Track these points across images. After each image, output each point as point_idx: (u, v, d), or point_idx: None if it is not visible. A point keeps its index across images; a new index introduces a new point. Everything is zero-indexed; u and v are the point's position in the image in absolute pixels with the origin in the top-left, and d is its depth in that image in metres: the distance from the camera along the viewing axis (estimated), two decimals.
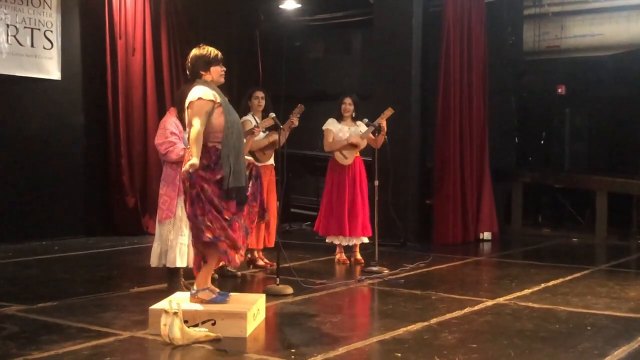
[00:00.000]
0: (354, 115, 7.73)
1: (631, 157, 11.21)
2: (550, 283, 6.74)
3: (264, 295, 5.44)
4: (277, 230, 6.96)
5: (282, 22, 12.17)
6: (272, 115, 6.70)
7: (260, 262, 7.42)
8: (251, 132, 6.96)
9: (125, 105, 10.05)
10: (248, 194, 5.06)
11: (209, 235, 4.85)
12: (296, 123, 7.02)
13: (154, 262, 6.15)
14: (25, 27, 9.12)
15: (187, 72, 5.16)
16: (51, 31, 9.41)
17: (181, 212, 5.90)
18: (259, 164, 7.22)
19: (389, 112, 7.45)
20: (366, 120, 7.59)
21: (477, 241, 9.86)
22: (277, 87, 11.38)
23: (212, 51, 5.08)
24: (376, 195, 7.55)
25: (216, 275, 6.34)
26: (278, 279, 6.19)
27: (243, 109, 7.26)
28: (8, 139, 9.01)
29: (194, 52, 5.09)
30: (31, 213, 9.18)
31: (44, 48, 9.34)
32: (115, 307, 5.59)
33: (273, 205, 7.27)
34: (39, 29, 9.28)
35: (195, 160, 4.79)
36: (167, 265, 6.07)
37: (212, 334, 4.59)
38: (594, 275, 7.35)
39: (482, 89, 10.08)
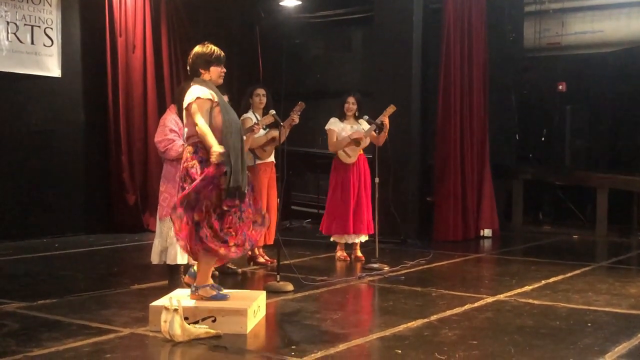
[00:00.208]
0: (356, 114, 7.72)
1: (632, 153, 11.22)
2: (551, 280, 6.74)
3: (264, 292, 5.44)
4: (278, 227, 6.95)
5: (282, 20, 12.17)
6: (272, 112, 6.70)
7: (261, 259, 7.43)
8: (251, 130, 6.95)
9: (126, 102, 10.05)
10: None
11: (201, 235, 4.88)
12: (297, 120, 7.02)
13: (154, 259, 6.16)
14: (25, 25, 9.12)
15: (188, 69, 5.15)
16: (51, 28, 9.41)
17: None
18: (259, 162, 7.25)
19: (391, 109, 7.44)
20: (366, 117, 7.58)
21: (477, 238, 9.85)
22: (277, 85, 11.38)
23: (214, 51, 5.06)
24: (377, 193, 7.55)
25: (217, 273, 6.34)
26: (278, 276, 6.20)
27: (244, 107, 7.26)
28: (8, 136, 9.02)
29: (197, 49, 5.08)
30: (32, 210, 9.19)
31: (44, 45, 9.34)
32: (115, 304, 5.60)
33: (273, 202, 7.27)
34: (39, 26, 9.28)
35: (217, 147, 4.78)
36: (168, 262, 6.08)
37: (212, 331, 4.59)
38: (595, 272, 7.35)
39: (482, 86, 10.08)
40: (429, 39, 9.69)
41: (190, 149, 4.96)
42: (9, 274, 6.96)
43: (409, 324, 4.98)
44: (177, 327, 4.42)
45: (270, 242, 7.29)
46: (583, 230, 10.61)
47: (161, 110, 9.02)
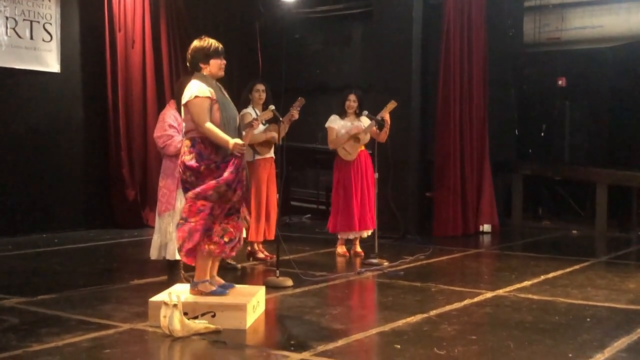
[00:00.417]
0: (357, 111, 7.71)
1: (631, 149, 11.21)
2: (550, 275, 6.74)
3: (263, 288, 5.44)
4: (277, 222, 6.96)
5: (281, 14, 12.14)
6: (272, 107, 6.68)
7: (260, 255, 7.43)
8: (250, 125, 6.95)
9: (125, 97, 10.04)
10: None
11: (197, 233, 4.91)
12: (296, 116, 7.01)
13: (153, 254, 6.16)
14: (24, 20, 9.11)
15: (187, 64, 5.15)
16: (50, 24, 9.39)
17: (180, 204, 5.90)
18: (259, 157, 7.24)
19: (391, 105, 7.43)
20: (366, 112, 7.57)
21: (477, 233, 9.86)
22: (276, 80, 11.36)
23: (212, 43, 5.04)
24: (376, 188, 7.55)
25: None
26: (278, 272, 6.20)
27: (243, 102, 7.25)
28: (7, 131, 9.01)
29: (195, 43, 5.07)
30: (31, 206, 9.19)
31: (43, 40, 9.32)
32: (115, 299, 5.61)
33: (273, 197, 7.27)
34: (38, 22, 9.27)
35: (233, 140, 4.81)
36: (167, 258, 6.09)
37: (211, 326, 4.60)
38: (594, 267, 7.35)
39: (482, 81, 10.07)
40: (429, 34, 9.68)
41: (187, 142, 4.96)
42: (9, 270, 6.95)
43: (408, 319, 4.98)
44: (177, 323, 4.42)
45: (270, 237, 7.29)
46: (582, 225, 10.61)
47: (160, 106, 9.02)
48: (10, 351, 4.14)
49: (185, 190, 4.97)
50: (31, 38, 9.19)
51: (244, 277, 6.71)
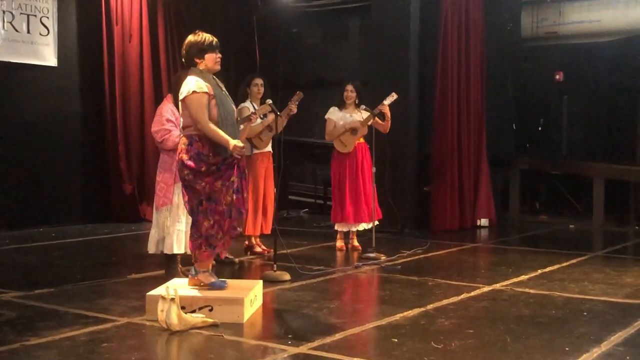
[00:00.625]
0: (356, 102, 7.70)
1: (628, 143, 11.21)
2: (547, 269, 6.75)
3: (261, 282, 5.45)
4: (275, 217, 6.96)
5: (279, 8, 12.12)
6: (269, 101, 6.67)
7: (258, 249, 7.43)
8: (248, 119, 6.93)
9: (122, 91, 10.03)
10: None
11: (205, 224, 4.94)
12: (295, 110, 7.02)
13: (151, 248, 6.16)
14: (21, 14, 9.08)
15: (183, 60, 5.14)
16: (47, 17, 9.37)
17: (178, 199, 5.91)
18: (257, 151, 7.24)
19: (391, 97, 7.42)
20: (363, 106, 7.56)
21: (474, 228, 9.87)
22: (274, 74, 11.35)
23: (206, 38, 5.02)
24: (374, 182, 7.56)
25: (214, 262, 6.32)
26: (275, 266, 6.20)
27: (241, 96, 7.24)
28: (4, 125, 8.99)
29: (189, 38, 5.06)
30: (28, 200, 9.18)
31: (40, 34, 9.30)
32: (112, 293, 5.61)
33: (270, 191, 7.27)
34: (35, 15, 9.24)
35: (234, 141, 4.82)
36: (165, 252, 6.08)
37: (209, 320, 4.60)
38: (591, 261, 7.36)
39: (479, 76, 10.07)
40: (427, 28, 9.66)
41: (185, 140, 4.95)
42: (6, 264, 6.96)
43: (406, 313, 4.99)
44: (174, 316, 4.42)
45: (267, 231, 7.30)
46: (579, 219, 10.62)
47: (158, 100, 9.01)
48: (8, 345, 4.14)
49: (185, 186, 4.98)
50: (28, 32, 9.17)
51: (241, 271, 6.72)
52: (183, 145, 4.94)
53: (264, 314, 5.11)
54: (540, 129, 12.02)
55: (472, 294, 5.68)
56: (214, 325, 4.57)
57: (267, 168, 7.32)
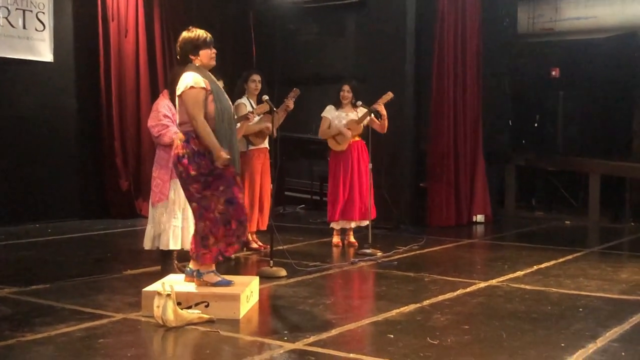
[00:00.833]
0: (353, 101, 7.70)
1: (624, 139, 11.23)
2: (543, 265, 6.76)
3: (257, 278, 5.45)
4: (271, 213, 6.96)
5: (275, 4, 12.10)
6: (266, 97, 6.66)
7: (254, 245, 7.43)
8: (246, 118, 6.95)
9: (118, 87, 10.00)
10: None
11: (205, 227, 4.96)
12: (292, 106, 7.03)
13: (147, 244, 6.15)
14: (17, 9, 9.05)
15: (177, 57, 5.13)
16: (43, 13, 9.34)
17: (174, 194, 5.91)
18: (253, 147, 7.24)
19: (387, 96, 7.43)
20: (360, 102, 7.57)
21: (470, 224, 9.88)
22: (270, 70, 11.33)
23: (199, 34, 5.00)
24: (370, 178, 7.56)
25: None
26: (271, 262, 6.20)
27: (238, 91, 7.24)
28: (0, 121, 8.97)
29: (183, 35, 5.04)
30: (24, 196, 9.16)
31: (36, 30, 9.27)
32: (108, 289, 5.60)
33: (267, 188, 7.27)
34: (31, 11, 9.21)
35: (221, 153, 4.78)
36: (161, 248, 6.08)
37: (205, 316, 4.60)
38: (587, 257, 7.38)
39: (476, 72, 10.07)
40: (423, 23, 9.66)
41: (181, 136, 4.94)
42: (2, 259, 6.94)
43: (402, 309, 5.00)
44: (170, 312, 4.43)
45: (264, 227, 7.30)
46: (575, 215, 10.64)
47: (154, 95, 9.00)
48: (4, 341, 4.14)
49: (181, 184, 5.00)
50: (24, 27, 9.13)
51: (237, 267, 6.72)
52: (179, 142, 4.94)
53: (260, 310, 5.11)
54: (536, 125, 12.03)
55: (468, 289, 5.69)
56: (210, 321, 4.57)
57: (263, 164, 7.32)
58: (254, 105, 7.16)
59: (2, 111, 9.00)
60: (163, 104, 6.13)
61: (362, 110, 7.59)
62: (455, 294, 5.53)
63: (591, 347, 4.17)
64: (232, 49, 11.14)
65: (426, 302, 5.22)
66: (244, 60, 11.21)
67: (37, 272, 6.21)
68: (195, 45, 4.98)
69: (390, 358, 3.93)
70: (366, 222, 7.63)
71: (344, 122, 7.65)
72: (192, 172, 4.85)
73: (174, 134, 5.81)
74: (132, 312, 4.81)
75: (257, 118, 7.11)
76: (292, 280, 5.99)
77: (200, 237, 4.96)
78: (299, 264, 6.48)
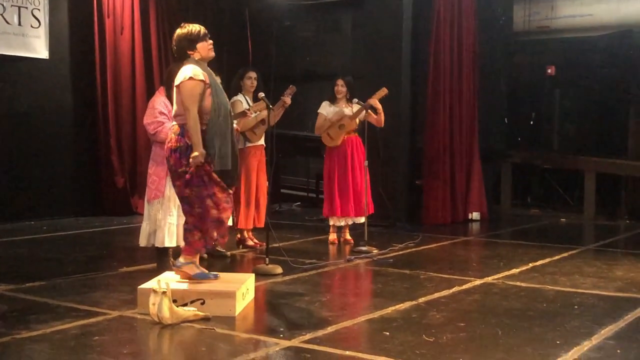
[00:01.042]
0: (348, 96, 7.70)
1: (620, 137, 11.25)
2: (538, 262, 6.77)
3: (253, 275, 5.45)
4: (267, 210, 6.95)
5: (271, 1, 12.08)
6: (262, 95, 6.66)
7: (250, 242, 7.43)
8: (243, 115, 6.93)
9: (114, 84, 9.99)
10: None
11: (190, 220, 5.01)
12: (289, 102, 7.03)
13: (142, 241, 6.15)
14: (12, 6, 9.02)
15: (174, 54, 5.12)
16: (39, 9, 9.31)
17: (170, 191, 5.89)
18: (249, 144, 7.23)
19: (382, 92, 7.43)
20: (355, 100, 7.57)
21: (466, 221, 9.89)
22: (266, 67, 11.32)
23: (194, 28, 5.01)
24: (366, 175, 7.56)
25: (205, 255, 6.34)
26: (267, 259, 6.20)
27: (234, 88, 7.23)
28: None
29: (178, 32, 5.05)
30: (20, 193, 9.15)
31: (32, 27, 9.24)
32: (104, 286, 5.60)
33: (263, 185, 7.26)
34: (27, 7, 9.18)
35: (197, 152, 4.80)
36: (156, 245, 6.07)
37: (201, 313, 4.60)
38: (582, 255, 7.39)
39: (472, 70, 10.07)
40: (419, 21, 9.66)
41: (176, 129, 4.95)
42: None
43: (397, 306, 5.00)
44: (166, 310, 4.42)
45: (260, 225, 7.30)
46: (571, 213, 10.67)
47: (150, 92, 8.97)
48: (0, 338, 4.14)
49: (171, 174, 5.03)
50: (19, 24, 9.11)
51: (233, 265, 6.72)
52: (174, 135, 4.94)
53: (256, 308, 5.11)
54: (532, 122, 12.05)
55: (464, 287, 5.69)
56: (205, 319, 4.57)
57: (259, 161, 7.31)
58: (250, 103, 7.15)
59: None
60: (159, 101, 6.12)
61: (357, 106, 7.58)
62: (451, 291, 5.53)
63: (586, 345, 4.18)
64: (228, 46, 11.12)
65: (422, 300, 5.22)
66: (239, 58, 11.20)
67: (33, 270, 6.20)
68: (192, 40, 4.98)
69: (386, 355, 3.93)
70: (362, 219, 7.63)
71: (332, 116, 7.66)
72: (180, 170, 4.89)
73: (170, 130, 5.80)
74: (128, 310, 4.80)
75: (254, 115, 7.10)
76: (288, 277, 5.99)
77: (186, 230, 5.03)
78: (295, 262, 6.47)
